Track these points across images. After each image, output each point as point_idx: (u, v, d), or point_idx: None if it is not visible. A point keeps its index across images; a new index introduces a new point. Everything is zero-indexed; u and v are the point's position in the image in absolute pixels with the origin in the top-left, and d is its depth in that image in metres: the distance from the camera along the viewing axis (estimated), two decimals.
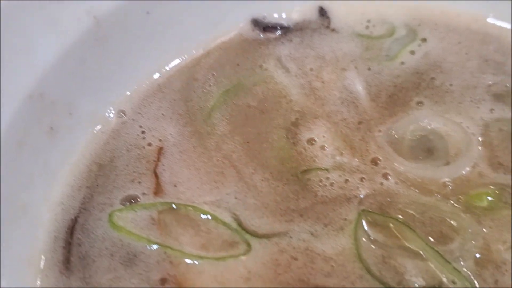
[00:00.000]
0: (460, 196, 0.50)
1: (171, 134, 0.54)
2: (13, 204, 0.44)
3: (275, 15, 0.61)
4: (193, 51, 0.58)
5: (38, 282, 0.45)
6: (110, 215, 0.48)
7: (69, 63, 0.48)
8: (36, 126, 0.47)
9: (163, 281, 0.45)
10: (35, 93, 0.46)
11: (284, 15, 0.62)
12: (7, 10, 0.43)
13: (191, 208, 0.49)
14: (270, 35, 0.61)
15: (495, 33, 0.61)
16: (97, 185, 0.50)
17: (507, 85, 0.57)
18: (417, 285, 0.45)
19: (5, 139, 0.44)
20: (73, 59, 0.49)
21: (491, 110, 0.55)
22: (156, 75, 0.57)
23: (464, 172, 0.51)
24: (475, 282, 0.45)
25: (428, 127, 0.54)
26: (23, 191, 0.45)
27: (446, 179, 0.50)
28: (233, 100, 0.56)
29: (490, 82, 0.57)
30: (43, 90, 0.46)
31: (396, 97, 0.57)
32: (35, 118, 0.46)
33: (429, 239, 0.47)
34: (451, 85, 0.57)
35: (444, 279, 0.45)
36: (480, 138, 0.53)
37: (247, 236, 0.47)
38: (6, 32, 0.43)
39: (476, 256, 0.46)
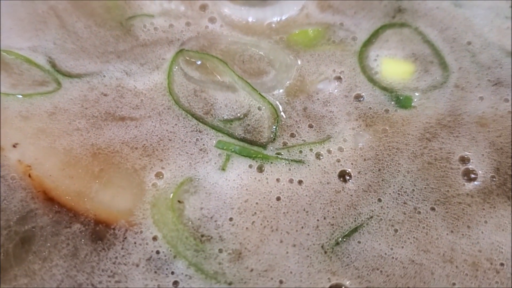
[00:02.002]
0: (283, 36, 0.49)
1: None
2: None
3: None
4: None
5: None
6: None
7: None
8: None
9: None
10: None
11: None
12: None
13: (5, 53, 0.47)
14: None
15: None
16: None
17: None
18: (224, 116, 0.44)
19: None
20: None
21: None
22: None
23: (290, 14, 0.50)
24: (280, 107, 0.44)
25: None
26: None
27: (272, 20, 0.49)
28: None
29: None
30: None
31: None
32: None
33: (244, 74, 0.46)
34: None
35: (252, 108, 0.44)
36: None
37: (59, 76, 0.46)
38: None
39: (287, 86, 0.45)
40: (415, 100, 0.44)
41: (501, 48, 0.47)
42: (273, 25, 0.49)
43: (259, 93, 0.44)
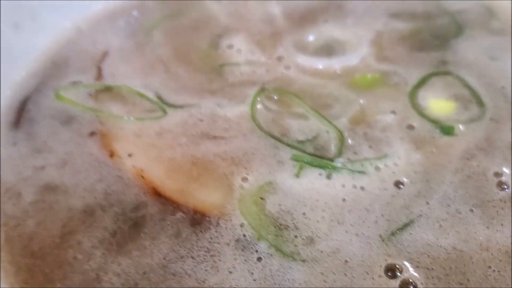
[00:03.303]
0: (346, 79, 0.59)
1: (116, 43, 0.66)
2: None
3: None
4: None
5: None
6: (55, 90, 0.59)
7: None
8: (4, 19, 0.60)
9: (92, 134, 0.56)
10: None
11: None
12: None
13: (122, 88, 0.60)
14: None
15: None
16: (50, 75, 0.62)
17: (403, 8, 0.67)
18: (298, 138, 0.54)
19: None
20: None
21: (386, 24, 0.66)
22: (112, 2, 0.70)
23: (353, 63, 0.61)
24: (346, 134, 0.54)
25: (330, 36, 0.64)
26: None
27: (337, 68, 0.60)
28: (170, 22, 0.69)
29: (387, 6, 0.68)
30: None
31: (306, 17, 0.68)
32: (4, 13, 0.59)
33: (314, 107, 0.56)
34: (354, 8, 0.68)
35: (318, 131, 0.54)
36: (370, 40, 0.63)
37: (164, 106, 0.58)
38: None
39: (350, 117, 0.55)
40: (457, 129, 0.53)
41: None
42: (338, 71, 0.60)
43: (327, 120, 0.54)
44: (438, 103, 0.56)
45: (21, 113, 0.58)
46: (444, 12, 0.67)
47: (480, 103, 0.56)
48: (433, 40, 0.63)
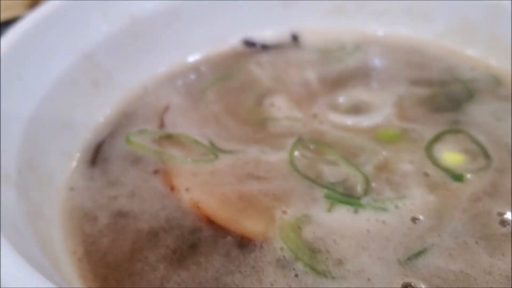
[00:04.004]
0: (371, 134, 0.70)
1: (175, 99, 0.78)
2: (63, 119, 0.69)
3: (260, 35, 0.87)
4: (203, 53, 0.85)
5: (73, 166, 0.67)
6: (126, 136, 0.71)
7: (115, 42, 0.75)
8: (85, 77, 0.72)
9: (156, 172, 0.67)
10: (87, 54, 0.72)
11: (266, 36, 0.87)
12: None
13: (181, 136, 0.71)
14: (254, 49, 0.86)
15: (417, 46, 0.84)
16: (121, 124, 0.74)
17: (421, 76, 0.79)
18: (330, 180, 0.64)
19: (62, 82, 0.69)
20: (118, 39, 0.75)
21: (406, 89, 0.77)
22: (175, 65, 0.83)
23: (377, 121, 0.71)
24: (370, 179, 0.63)
25: (358, 98, 0.76)
26: (74, 113, 0.70)
27: (364, 124, 0.71)
28: (222, 83, 0.81)
29: (408, 75, 0.79)
30: (93, 53, 0.73)
31: (337, 81, 0.79)
32: (84, 71, 0.72)
33: (344, 156, 0.67)
34: (379, 76, 0.80)
35: (347, 175, 0.64)
36: (392, 102, 0.74)
37: (216, 151, 0.68)
38: (68, 12, 0.70)
39: (374, 165, 0.65)
40: (466, 177, 0.63)
41: None
42: (364, 127, 0.71)
43: (355, 166, 0.64)
44: (450, 155, 0.66)
45: (97, 154, 0.69)
46: (457, 80, 0.78)
47: (486, 156, 0.65)
48: (447, 103, 0.74)
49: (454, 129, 0.69)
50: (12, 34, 0.66)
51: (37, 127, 0.64)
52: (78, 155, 0.69)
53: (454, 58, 0.82)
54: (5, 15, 0.94)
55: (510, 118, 0.70)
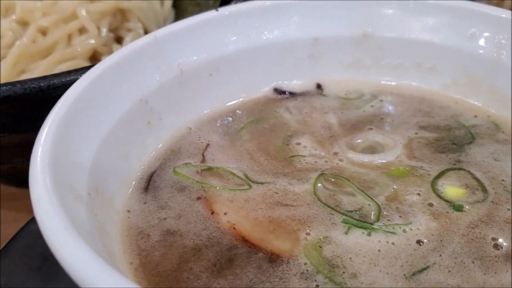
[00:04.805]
0: (384, 170, 0.81)
1: (215, 138, 0.90)
2: (122, 153, 0.81)
3: (289, 84, 1.00)
4: (240, 99, 0.97)
5: (130, 192, 0.80)
6: (174, 168, 0.83)
7: (165, 89, 0.89)
8: (140, 119, 0.86)
9: (198, 198, 0.78)
10: (143, 100, 0.85)
11: (294, 85, 1.00)
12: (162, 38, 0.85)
13: (220, 169, 0.83)
14: (284, 96, 0.99)
15: (426, 96, 0.95)
16: (169, 158, 0.87)
17: (429, 122, 0.90)
18: (347, 208, 0.75)
19: (122, 122, 0.82)
20: (168, 87, 0.89)
21: (416, 133, 0.88)
22: (215, 109, 0.96)
23: (389, 160, 0.83)
24: (382, 207, 0.74)
25: (373, 139, 0.87)
26: (131, 148, 0.83)
27: (378, 162, 0.82)
28: (255, 125, 0.93)
29: (417, 120, 0.91)
30: (148, 99, 0.86)
31: (356, 125, 0.91)
32: (140, 114, 0.86)
33: (360, 188, 0.78)
34: (392, 121, 0.91)
35: (363, 204, 0.75)
36: (403, 144, 0.85)
37: (250, 182, 0.80)
38: (128, 65, 0.84)
39: (386, 196, 0.76)
40: (465, 207, 0.73)
41: None
42: (378, 165, 0.82)
43: (369, 196, 0.75)
44: (452, 189, 0.76)
45: (150, 183, 0.81)
46: (461, 126, 0.89)
47: (484, 190, 0.75)
48: (451, 145, 0.85)
49: (457, 167, 0.80)
50: (81, 81, 0.79)
51: (102, 159, 0.76)
52: (134, 183, 0.82)
53: (458, 106, 0.93)
54: (69, 66, 1.09)
55: (507, 159, 0.81)
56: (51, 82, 0.90)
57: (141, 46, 0.87)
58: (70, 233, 0.56)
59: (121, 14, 1.37)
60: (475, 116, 0.91)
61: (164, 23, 1.46)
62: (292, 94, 0.99)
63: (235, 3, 1.00)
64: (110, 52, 1.26)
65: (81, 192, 0.68)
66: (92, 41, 1.24)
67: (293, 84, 1.01)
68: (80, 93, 0.77)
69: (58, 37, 1.20)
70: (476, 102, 0.93)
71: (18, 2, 1.28)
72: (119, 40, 1.36)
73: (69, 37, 1.24)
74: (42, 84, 0.89)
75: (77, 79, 0.81)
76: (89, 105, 0.78)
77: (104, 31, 1.28)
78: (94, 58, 1.27)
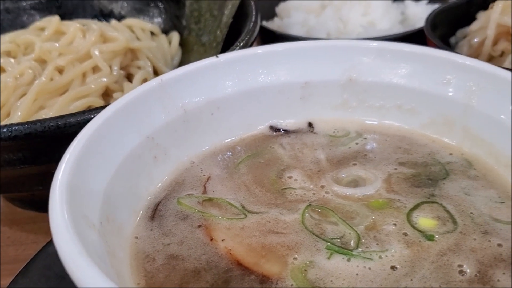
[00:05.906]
0: (364, 202, 0.90)
1: (216, 171, 1.00)
2: (131, 185, 0.91)
3: (283, 123, 1.10)
4: (238, 136, 1.08)
5: (137, 220, 0.89)
6: (178, 198, 0.93)
7: (170, 127, 0.99)
8: (148, 153, 0.96)
9: (199, 226, 0.88)
10: (150, 136, 0.96)
11: (288, 124, 1.10)
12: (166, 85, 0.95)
13: (219, 199, 0.93)
14: (279, 133, 1.09)
15: (406, 135, 1.05)
16: (174, 189, 0.97)
17: (408, 159, 1.00)
18: (331, 236, 0.84)
19: (130, 156, 0.93)
20: (172, 125, 0.99)
21: (395, 168, 0.98)
22: (216, 145, 1.06)
23: (370, 193, 0.92)
24: (361, 236, 0.84)
25: (356, 174, 0.97)
26: (139, 180, 0.93)
27: (359, 195, 0.92)
28: (252, 159, 1.03)
29: (397, 157, 1.00)
30: (154, 136, 0.96)
31: (341, 161, 1.01)
32: (147, 149, 0.96)
33: (342, 218, 0.87)
34: (374, 157, 1.01)
35: (344, 233, 0.84)
36: (383, 178, 0.95)
37: (245, 212, 0.90)
38: (136, 105, 0.95)
39: (365, 225, 0.85)
40: (435, 237, 0.82)
41: (491, 217, 0.85)
42: (360, 197, 0.91)
43: (350, 226, 0.84)
44: (425, 220, 0.85)
45: (155, 212, 0.91)
46: (437, 163, 0.98)
47: (454, 222, 0.85)
48: (427, 181, 0.94)
49: (430, 201, 0.89)
50: (95, 121, 0.90)
51: (113, 190, 0.86)
52: (141, 212, 0.91)
53: (435, 145, 1.03)
54: (83, 102, 1.20)
55: (476, 193, 0.90)
56: (67, 121, 1.00)
57: (149, 89, 0.97)
58: (83, 257, 0.64)
59: (132, 53, 1.48)
60: (451, 154, 1.01)
61: (172, 61, 1.58)
62: (286, 132, 1.09)
63: (235, 49, 1.11)
64: (121, 89, 1.37)
65: (94, 221, 0.78)
66: (105, 79, 1.35)
67: (287, 122, 1.11)
68: (94, 131, 0.87)
69: (74, 75, 1.31)
70: (451, 141, 1.03)
71: (37, 41, 1.40)
72: (129, 77, 1.47)
73: (84, 75, 1.35)
74: (59, 123, 1.00)
75: (91, 118, 0.92)
76: (102, 141, 0.88)
77: (115, 69, 1.39)
78: (107, 95, 1.37)
